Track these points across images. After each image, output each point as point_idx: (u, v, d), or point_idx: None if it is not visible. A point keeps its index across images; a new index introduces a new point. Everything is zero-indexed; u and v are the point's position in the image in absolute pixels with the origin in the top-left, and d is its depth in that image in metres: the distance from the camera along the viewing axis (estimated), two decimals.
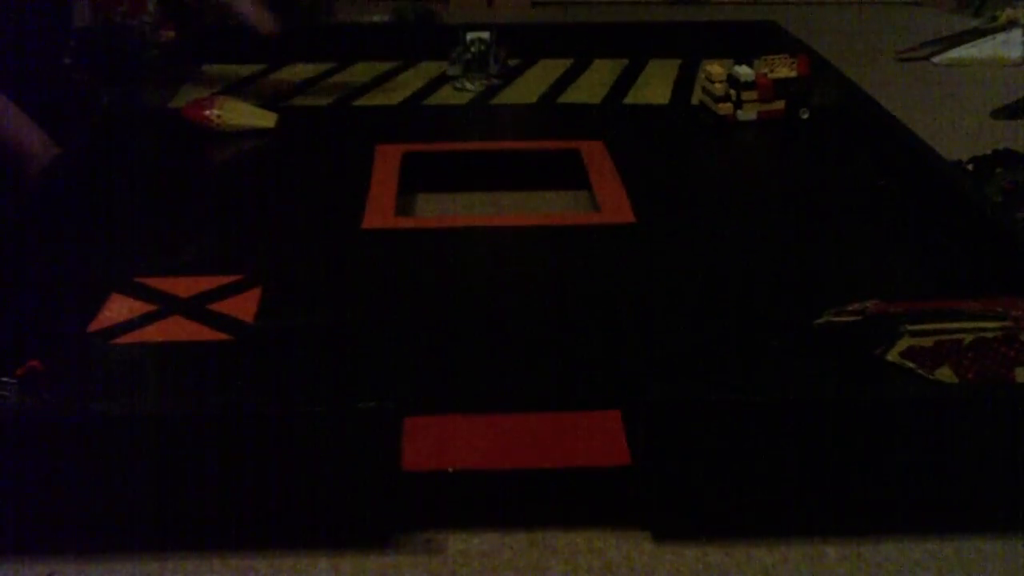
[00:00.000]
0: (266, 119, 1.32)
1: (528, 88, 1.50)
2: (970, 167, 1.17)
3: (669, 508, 0.68)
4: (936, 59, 1.83)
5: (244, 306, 0.89)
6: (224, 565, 0.66)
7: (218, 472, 0.66)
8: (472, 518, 0.69)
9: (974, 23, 2.01)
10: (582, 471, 0.69)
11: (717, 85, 1.33)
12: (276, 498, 0.67)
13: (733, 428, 0.67)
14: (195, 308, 0.89)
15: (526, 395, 0.78)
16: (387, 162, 1.19)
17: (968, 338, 0.77)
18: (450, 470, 0.69)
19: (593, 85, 1.51)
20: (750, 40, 1.58)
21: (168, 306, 0.89)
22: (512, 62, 1.56)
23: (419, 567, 0.66)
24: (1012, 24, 1.88)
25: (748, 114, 1.32)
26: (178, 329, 0.86)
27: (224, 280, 0.93)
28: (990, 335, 0.77)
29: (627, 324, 0.88)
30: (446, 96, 1.47)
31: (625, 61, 1.61)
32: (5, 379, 0.73)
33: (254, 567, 0.66)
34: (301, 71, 1.57)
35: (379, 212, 1.07)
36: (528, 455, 0.70)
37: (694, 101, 1.42)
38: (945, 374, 0.77)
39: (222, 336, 0.85)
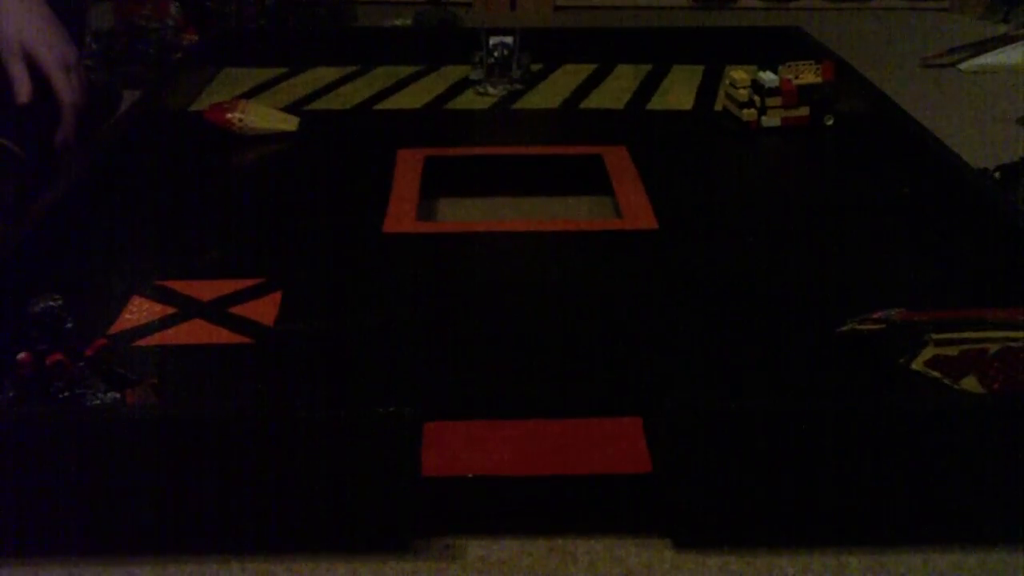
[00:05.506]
0: (288, 123, 1.32)
1: (551, 93, 1.50)
2: (997, 175, 1.16)
3: (690, 516, 0.68)
4: (963, 66, 1.82)
5: (265, 309, 0.90)
6: (242, 569, 0.66)
7: (236, 475, 0.66)
8: (492, 524, 0.69)
9: (1002, 30, 2.00)
10: (603, 478, 0.69)
11: (741, 91, 1.32)
12: (294, 502, 0.67)
13: (755, 436, 0.66)
14: (216, 311, 0.89)
15: (546, 401, 0.78)
16: (408, 166, 1.19)
17: (994, 347, 0.77)
18: (469, 476, 0.68)
19: (616, 90, 1.51)
20: (774, 46, 1.57)
21: (189, 309, 0.89)
22: (535, 67, 1.56)
23: (438, 573, 0.66)
24: None
25: (772, 120, 1.32)
26: (199, 332, 0.86)
27: (245, 283, 0.93)
28: (1016, 344, 0.77)
29: (649, 330, 0.88)
30: (468, 100, 1.47)
31: (648, 66, 1.61)
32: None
33: (272, 571, 0.66)
34: (323, 75, 1.57)
35: (400, 216, 1.07)
36: (548, 461, 0.70)
37: (718, 107, 1.42)
38: (970, 384, 0.76)
39: (242, 339, 0.85)
